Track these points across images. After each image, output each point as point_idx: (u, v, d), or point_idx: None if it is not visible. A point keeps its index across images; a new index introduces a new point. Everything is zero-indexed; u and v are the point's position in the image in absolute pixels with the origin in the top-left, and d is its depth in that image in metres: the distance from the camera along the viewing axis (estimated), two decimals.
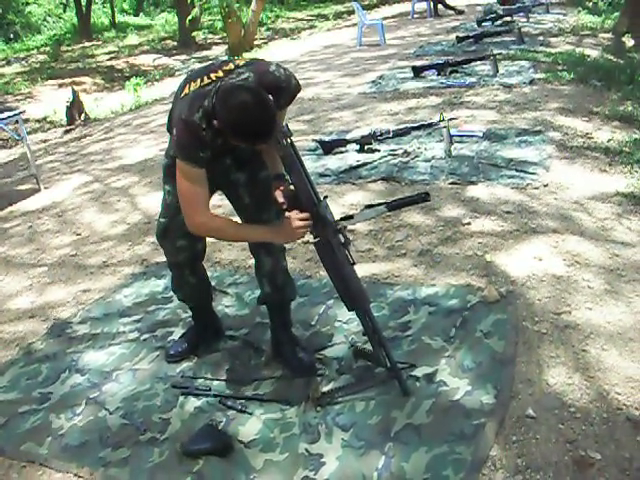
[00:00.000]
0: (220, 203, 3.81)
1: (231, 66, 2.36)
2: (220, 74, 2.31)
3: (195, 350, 3.00)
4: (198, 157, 2.28)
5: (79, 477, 2.39)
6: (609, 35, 10.14)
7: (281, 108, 2.46)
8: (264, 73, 2.35)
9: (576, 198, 4.10)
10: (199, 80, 2.32)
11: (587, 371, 2.54)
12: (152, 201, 5.17)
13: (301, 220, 2.36)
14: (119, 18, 24.74)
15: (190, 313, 3.16)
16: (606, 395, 2.41)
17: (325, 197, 2.46)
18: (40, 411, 2.78)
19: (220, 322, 3.15)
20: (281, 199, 2.40)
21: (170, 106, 2.56)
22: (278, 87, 2.37)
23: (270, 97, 2.22)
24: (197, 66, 15.37)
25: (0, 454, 2.57)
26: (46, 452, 2.53)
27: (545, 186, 4.28)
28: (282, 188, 2.41)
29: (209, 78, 2.31)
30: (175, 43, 18.88)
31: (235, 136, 2.20)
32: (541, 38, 9.68)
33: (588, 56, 8.08)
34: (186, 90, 2.33)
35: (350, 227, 2.48)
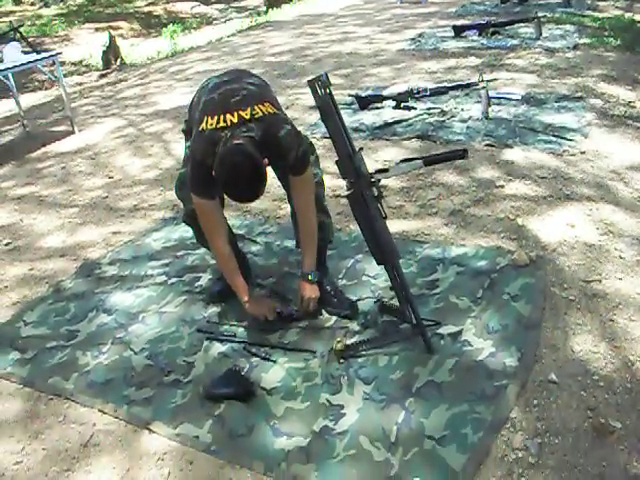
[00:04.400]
0: None
1: (247, 113, 2.40)
2: (235, 119, 2.38)
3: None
4: (208, 193, 2.50)
5: (103, 413, 2.45)
6: None
7: (287, 172, 2.62)
8: (271, 136, 2.42)
9: (613, 167, 4.01)
10: (216, 119, 2.40)
11: (613, 341, 2.52)
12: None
13: (269, 315, 2.73)
14: None
15: None
16: (631, 365, 2.39)
17: (360, 149, 2.44)
18: (67, 347, 2.84)
19: (249, 264, 3.17)
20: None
21: (189, 101, 2.81)
22: (277, 154, 2.46)
23: (265, 161, 2.33)
24: (234, 16, 15.25)
25: (29, 385, 2.64)
26: (72, 387, 2.59)
27: (582, 153, 4.20)
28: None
29: (224, 121, 2.39)
30: None
31: (221, 190, 2.40)
32: (589, 1, 9.41)
33: (638, 22, 7.84)
34: (203, 125, 2.43)
35: (383, 182, 2.46)
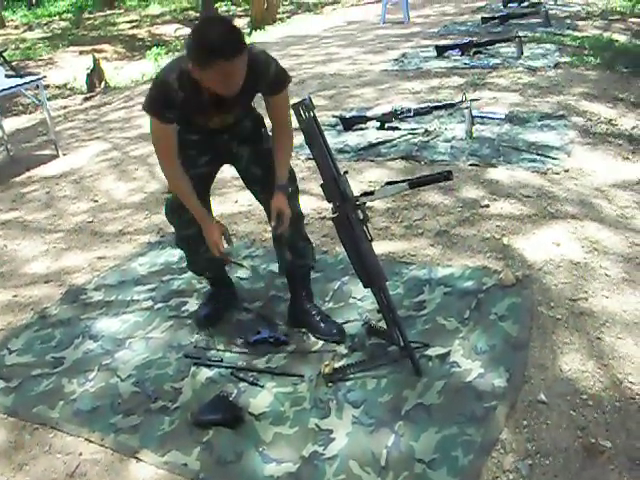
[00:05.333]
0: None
1: None
2: None
3: (222, 314, 3.03)
4: (164, 115, 2.40)
5: (89, 442, 2.41)
6: (639, 20, 9.97)
7: (267, 93, 2.53)
8: (249, 53, 2.32)
9: (597, 185, 4.05)
10: None
11: (601, 359, 2.52)
12: None
13: (215, 243, 2.58)
14: None
15: (204, 284, 3.18)
16: (619, 384, 2.39)
17: (345, 172, 2.44)
18: (53, 375, 2.80)
19: (235, 288, 3.18)
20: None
21: None
22: (258, 70, 2.35)
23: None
24: None
25: (13, 415, 2.60)
26: (58, 416, 2.55)
27: (566, 171, 4.23)
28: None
29: None
30: (197, 14, 18.77)
31: (198, 58, 2.14)
32: (568, 21, 9.54)
33: (616, 41, 7.96)
34: None
35: (368, 204, 2.47)
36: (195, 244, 2.86)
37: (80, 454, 2.37)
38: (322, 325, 2.82)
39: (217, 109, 2.44)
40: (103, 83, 10.08)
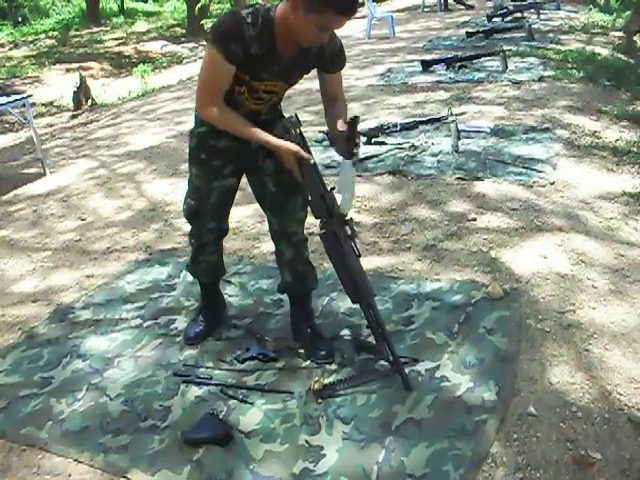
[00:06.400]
0: None
1: None
2: None
3: (212, 331, 3.01)
4: (228, 47, 2.21)
5: (79, 462, 2.38)
6: (620, 34, 10.11)
7: (328, 67, 2.53)
8: None
9: (582, 197, 4.08)
10: None
11: (590, 370, 2.53)
12: (158, 188, 5.17)
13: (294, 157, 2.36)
14: (128, 4, 24.62)
15: (193, 301, 3.15)
16: (608, 395, 2.40)
17: (332, 188, 2.45)
18: (41, 395, 2.77)
19: (225, 304, 3.17)
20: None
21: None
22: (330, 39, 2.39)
23: None
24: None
25: (1, 437, 2.57)
26: (46, 436, 2.52)
27: (552, 184, 4.27)
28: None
29: None
30: (184, 31, 18.84)
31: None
32: (551, 35, 9.66)
33: (598, 54, 8.06)
34: None
35: (356, 220, 2.47)
36: (205, 248, 2.86)
37: (69, 475, 2.34)
38: (311, 346, 2.80)
39: (277, 65, 2.35)
40: (90, 100, 10.07)
